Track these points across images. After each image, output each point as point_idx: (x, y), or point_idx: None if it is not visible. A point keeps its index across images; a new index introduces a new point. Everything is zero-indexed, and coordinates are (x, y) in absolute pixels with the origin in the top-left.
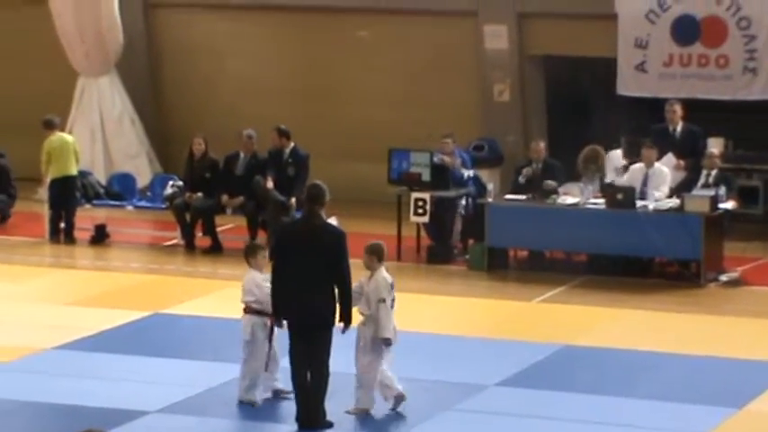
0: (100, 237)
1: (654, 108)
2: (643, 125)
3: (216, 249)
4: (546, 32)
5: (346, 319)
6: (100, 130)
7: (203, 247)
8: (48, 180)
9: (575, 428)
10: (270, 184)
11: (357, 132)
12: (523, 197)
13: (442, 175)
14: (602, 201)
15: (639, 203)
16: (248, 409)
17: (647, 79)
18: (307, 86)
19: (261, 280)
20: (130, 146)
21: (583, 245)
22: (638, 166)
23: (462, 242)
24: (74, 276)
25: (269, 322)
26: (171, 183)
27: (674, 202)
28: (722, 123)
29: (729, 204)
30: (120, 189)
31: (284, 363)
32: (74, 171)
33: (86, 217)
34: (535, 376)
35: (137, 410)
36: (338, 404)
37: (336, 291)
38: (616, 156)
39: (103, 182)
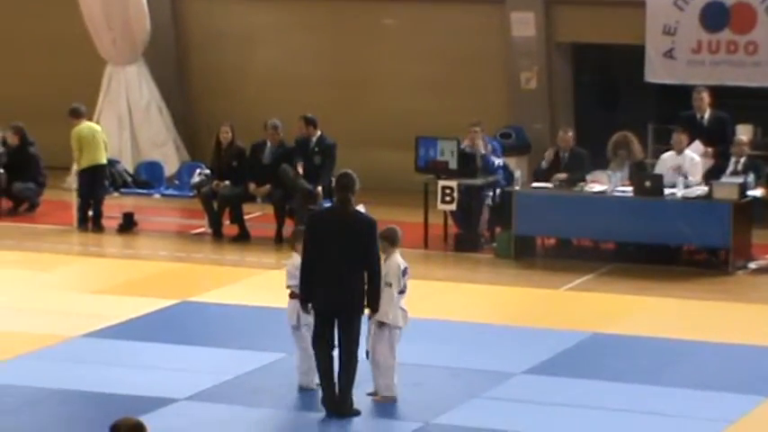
0: (128, 225)
1: (683, 95)
2: (671, 112)
3: (243, 237)
4: (573, 20)
5: (373, 305)
6: (127, 118)
7: (231, 236)
8: (77, 168)
9: (603, 416)
10: (300, 166)
11: (384, 120)
12: (550, 185)
13: (469, 163)
14: (630, 188)
15: (668, 191)
16: (276, 397)
17: (676, 66)
18: (334, 75)
19: None
20: (158, 134)
21: (610, 233)
22: (669, 154)
23: (489, 230)
24: (102, 264)
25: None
26: (198, 171)
27: (703, 189)
28: (751, 110)
29: (758, 192)
30: (148, 177)
31: None
32: (103, 160)
33: (114, 205)
34: (563, 364)
35: (165, 398)
36: (363, 392)
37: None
38: (670, 156)
39: (131, 170)
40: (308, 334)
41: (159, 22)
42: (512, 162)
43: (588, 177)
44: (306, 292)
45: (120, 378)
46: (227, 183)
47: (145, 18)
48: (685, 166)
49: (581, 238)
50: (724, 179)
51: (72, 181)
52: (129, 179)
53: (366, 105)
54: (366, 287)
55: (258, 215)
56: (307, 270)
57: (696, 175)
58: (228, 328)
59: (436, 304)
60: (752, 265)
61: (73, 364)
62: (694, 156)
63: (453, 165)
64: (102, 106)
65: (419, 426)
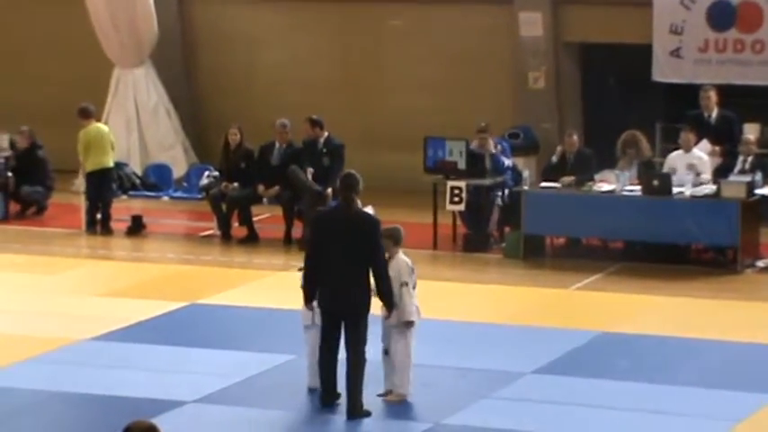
0: (136, 228)
1: (690, 94)
2: (679, 112)
3: (252, 239)
4: (581, 19)
5: (388, 304)
6: (135, 121)
7: (239, 237)
8: (85, 171)
9: (612, 416)
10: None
11: (392, 121)
12: (558, 185)
13: (477, 164)
14: (638, 187)
15: (676, 190)
16: (286, 398)
17: (683, 65)
18: (342, 76)
19: None
20: (166, 136)
21: (619, 232)
22: (677, 152)
23: (498, 230)
24: (110, 267)
25: None
26: (207, 173)
27: (711, 188)
28: (758, 109)
29: (766, 190)
30: (156, 180)
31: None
32: (110, 163)
33: (123, 208)
34: (572, 364)
35: (174, 401)
36: (371, 393)
37: (372, 278)
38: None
39: (139, 173)
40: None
41: (166, 24)
42: (520, 162)
43: (596, 177)
44: (310, 291)
45: (128, 381)
46: (235, 185)
47: (152, 20)
48: (695, 164)
49: (590, 237)
50: (732, 178)
51: (80, 184)
52: (138, 182)
53: (374, 106)
54: (376, 288)
55: (267, 217)
56: (311, 270)
57: (705, 173)
58: (237, 331)
59: (445, 305)
60: (760, 264)
61: (81, 367)
62: (702, 154)
63: (462, 165)
64: (109, 109)
65: (429, 426)
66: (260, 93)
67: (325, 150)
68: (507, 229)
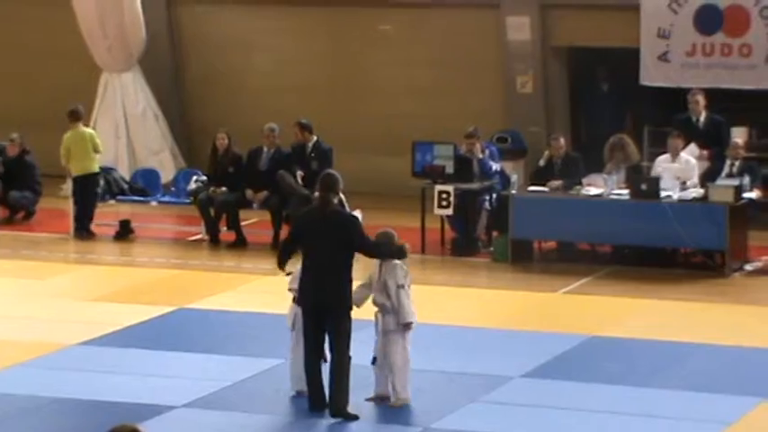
0: (124, 232)
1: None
2: (667, 115)
3: (240, 244)
4: (568, 23)
5: (392, 251)
6: (123, 125)
7: (228, 242)
8: (71, 175)
9: (601, 419)
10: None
11: (380, 125)
12: (546, 189)
13: (465, 168)
14: (626, 191)
15: (663, 194)
16: (274, 403)
17: (670, 69)
18: (330, 80)
19: None
20: (154, 141)
21: (607, 236)
22: (665, 157)
23: (486, 234)
24: (99, 272)
25: None
26: (195, 178)
27: (699, 191)
28: (746, 113)
29: (754, 194)
30: (145, 184)
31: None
32: (93, 168)
33: (111, 213)
34: (561, 367)
35: (163, 405)
36: (361, 397)
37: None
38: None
39: (127, 177)
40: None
41: (154, 28)
42: (508, 166)
43: (584, 181)
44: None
45: (117, 386)
46: (223, 189)
47: (140, 25)
48: (682, 171)
49: (578, 241)
50: (720, 181)
51: (68, 189)
52: (126, 186)
53: (362, 111)
54: (377, 255)
55: (255, 221)
56: (287, 246)
57: (693, 177)
58: (226, 335)
59: (434, 309)
60: (748, 267)
61: (70, 373)
62: (690, 158)
63: (450, 169)
64: (97, 114)
65: (418, 430)
66: (248, 97)
67: (313, 155)
68: (495, 234)
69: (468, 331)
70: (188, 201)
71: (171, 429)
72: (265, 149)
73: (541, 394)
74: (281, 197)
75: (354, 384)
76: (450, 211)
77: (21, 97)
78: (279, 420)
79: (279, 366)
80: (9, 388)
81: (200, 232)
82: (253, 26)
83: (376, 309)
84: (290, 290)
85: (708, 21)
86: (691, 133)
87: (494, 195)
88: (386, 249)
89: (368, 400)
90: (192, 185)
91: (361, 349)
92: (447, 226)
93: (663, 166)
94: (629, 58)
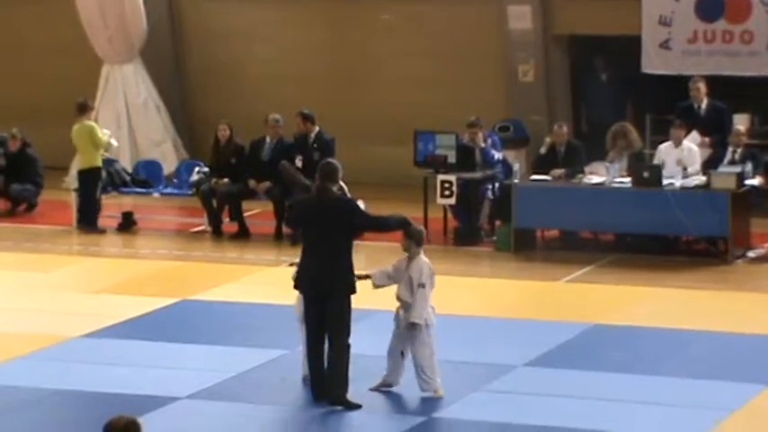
0: (127, 224)
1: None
2: (669, 103)
3: (243, 235)
4: (569, 12)
5: (397, 222)
6: (125, 117)
7: (230, 233)
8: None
9: (604, 407)
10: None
11: (382, 115)
12: (548, 177)
13: (467, 157)
14: (628, 179)
15: (666, 181)
16: (278, 393)
17: (672, 57)
18: (332, 70)
19: None
20: (156, 133)
21: (609, 224)
22: (667, 144)
23: (489, 223)
24: (101, 264)
25: None
26: (197, 169)
27: (701, 179)
28: (748, 100)
29: (756, 181)
30: (147, 176)
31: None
32: (95, 162)
33: (113, 204)
34: (564, 356)
35: (167, 397)
36: (366, 388)
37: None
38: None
39: (130, 169)
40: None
41: (155, 20)
42: (510, 155)
43: (587, 169)
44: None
45: (121, 377)
46: (226, 180)
47: (141, 16)
48: (684, 158)
49: (580, 229)
50: (722, 169)
51: (70, 181)
52: (128, 178)
53: (364, 100)
54: (386, 227)
55: (257, 212)
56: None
57: (695, 164)
58: (229, 326)
59: (437, 298)
60: (751, 254)
61: (73, 365)
62: (692, 146)
63: (452, 159)
64: (99, 106)
65: (422, 420)
66: (250, 88)
67: (315, 145)
68: (498, 223)
69: (471, 320)
70: (190, 192)
71: (175, 421)
72: (268, 140)
73: (545, 383)
74: (284, 187)
75: (356, 374)
76: (452, 201)
77: (22, 90)
78: (283, 411)
79: (283, 357)
80: (12, 380)
81: (202, 223)
82: (254, 16)
83: (399, 304)
84: (294, 280)
85: (709, 8)
86: (692, 121)
87: (496, 184)
88: (393, 221)
89: (372, 389)
90: (195, 177)
91: (363, 339)
92: (450, 215)
93: (665, 153)
94: (631, 46)
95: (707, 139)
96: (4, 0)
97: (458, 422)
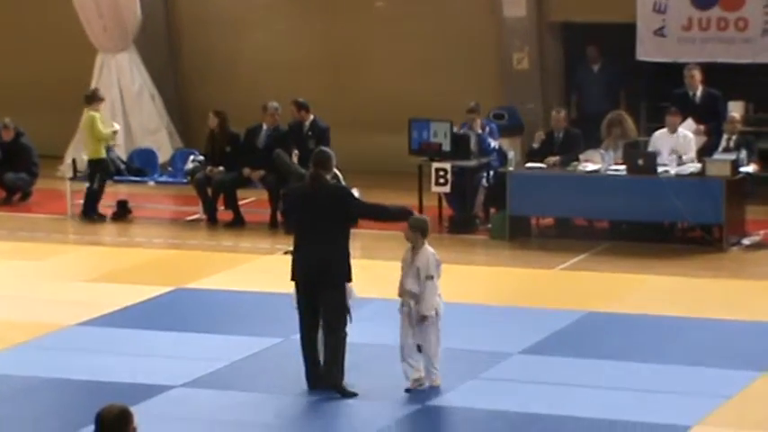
0: (122, 213)
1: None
2: (664, 91)
3: (238, 223)
4: None
5: (398, 213)
6: (120, 106)
7: (225, 221)
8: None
9: (600, 395)
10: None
11: (377, 103)
12: (543, 165)
13: (462, 145)
14: (623, 167)
15: (660, 169)
16: (273, 382)
17: (666, 44)
18: (326, 58)
19: None
20: (151, 121)
21: (604, 211)
22: (662, 132)
23: (484, 211)
24: (96, 253)
25: None
26: (192, 157)
27: (696, 166)
28: (742, 87)
29: (751, 168)
30: (142, 164)
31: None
32: (99, 153)
33: (108, 193)
34: (559, 343)
35: (161, 385)
36: (363, 376)
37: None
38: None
39: (124, 158)
40: None
41: (150, 8)
42: (505, 143)
43: (581, 157)
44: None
45: (115, 366)
46: (220, 168)
47: (135, 5)
48: (679, 145)
49: (575, 217)
50: (716, 156)
51: (65, 170)
52: (123, 167)
53: (358, 88)
54: (385, 217)
55: (252, 200)
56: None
57: (690, 151)
58: (224, 315)
59: None
60: (745, 242)
61: (68, 353)
62: (687, 133)
63: (447, 147)
64: None
65: (417, 407)
66: (244, 76)
67: (310, 133)
68: (493, 211)
69: (466, 308)
70: (185, 180)
71: (169, 409)
72: (264, 127)
73: (540, 370)
74: (279, 176)
75: (352, 362)
76: (447, 189)
77: (17, 78)
78: (278, 399)
79: (277, 345)
80: (6, 368)
81: (197, 212)
82: (248, 4)
83: (405, 296)
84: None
85: None
86: (687, 108)
87: (491, 172)
88: (393, 210)
89: (407, 390)
90: (189, 165)
91: (359, 328)
92: (444, 203)
93: (660, 140)
94: (626, 34)
95: (701, 127)
96: None
97: (453, 410)
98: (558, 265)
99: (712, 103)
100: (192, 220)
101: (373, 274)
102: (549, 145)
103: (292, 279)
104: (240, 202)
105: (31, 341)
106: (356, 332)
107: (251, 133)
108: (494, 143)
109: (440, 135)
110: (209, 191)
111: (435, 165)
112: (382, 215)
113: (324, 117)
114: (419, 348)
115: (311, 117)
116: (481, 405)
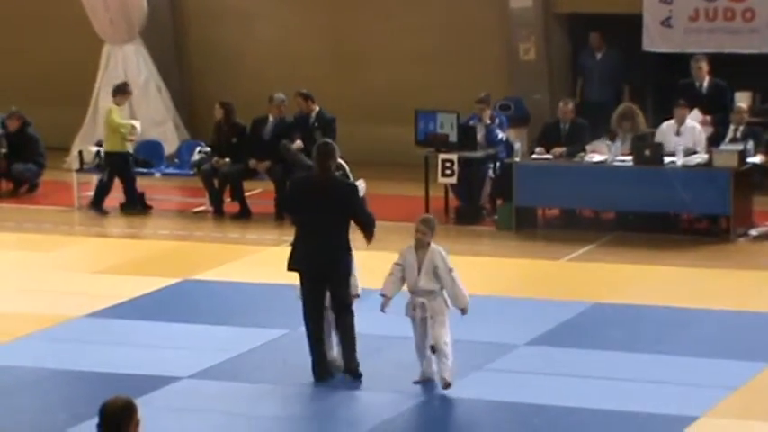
0: (141, 207)
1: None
2: (670, 81)
3: (244, 214)
4: None
5: (369, 233)
6: None
7: (232, 213)
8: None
9: (606, 386)
10: (298, 144)
11: (383, 94)
12: (550, 156)
13: (469, 136)
14: (629, 158)
15: (667, 159)
16: (280, 373)
17: (673, 34)
18: (332, 49)
19: None
20: (157, 113)
21: (611, 202)
22: (668, 123)
23: (490, 202)
24: (103, 244)
25: None
26: (198, 149)
27: (703, 157)
28: (749, 77)
29: (758, 158)
30: (148, 156)
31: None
32: (116, 146)
33: (115, 185)
34: (565, 335)
35: (168, 376)
36: (369, 366)
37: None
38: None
39: (131, 150)
40: None
41: (156, 0)
42: (511, 134)
43: (588, 147)
44: (290, 257)
45: (123, 357)
46: (227, 160)
47: None
48: (688, 138)
49: (582, 208)
50: (723, 147)
51: (72, 161)
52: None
53: (365, 79)
54: (362, 229)
55: (259, 192)
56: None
57: (700, 144)
58: (231, 306)
59: None
60: (753, 233)
61: (75, 344)
62: (696, 125)
63: (453, 138)
64: (100, 86)
65: (423, 399)
66: (250, 67)
67: (316, 125)
68: (499, 202)
69: (473, 299)
70: (191, 172)
71: (176, 400)
72: (271, 119)
73: (546, 361)
74: (285, 167)
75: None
76: (453, 180)
77: (24, 70)
78: (285, 390)
79: (284, 337)
80: (14, 360)
81: (204, 204)
82: None
83: (416, 295)
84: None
85: None
86: (694, 99)
87: (497, 163)
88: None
89: (415, 382)
90: (196, 157)
91: (363, 318)
92: (451, 194)
93: (667, 132)
94: (632, 24)
95: (708, 118)
96: None
97: (459, 401)
98: (565, 256)
99: (719, 93)
100: (199, 212)
101: (378, 265)
102: (556, 134)
103: (290, 269)
104: (246, 194)
105: (38, 332)
106: (362, 323)
107: (257, 125)
108: (501, 134)
109: (446, 126)
110: (216, 182)
111: (442, 156)
112: (367, 227)
113: (329, 108)
114: (433, 349)
115: (317, 108)
116: (487, 396)
